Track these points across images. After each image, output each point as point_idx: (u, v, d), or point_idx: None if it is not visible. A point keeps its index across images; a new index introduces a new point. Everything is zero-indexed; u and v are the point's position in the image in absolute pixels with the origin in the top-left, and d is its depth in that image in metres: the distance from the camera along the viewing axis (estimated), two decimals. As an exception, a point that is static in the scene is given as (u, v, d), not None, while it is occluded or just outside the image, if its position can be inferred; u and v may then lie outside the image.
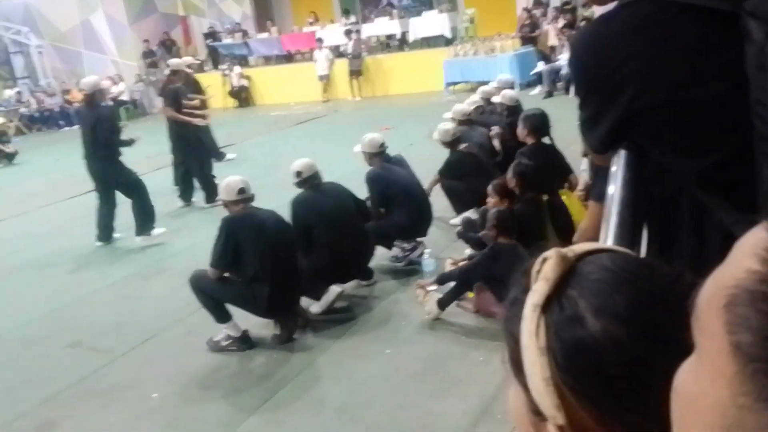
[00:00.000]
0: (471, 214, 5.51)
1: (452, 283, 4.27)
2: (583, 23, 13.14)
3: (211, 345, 4.36)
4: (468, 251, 5.00)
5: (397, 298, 4.76)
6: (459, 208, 5.86)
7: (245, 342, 4.32)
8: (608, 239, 1.31)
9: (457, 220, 5.70)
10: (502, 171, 5.68)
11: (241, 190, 4.30)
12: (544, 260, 0.63)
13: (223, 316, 4.29)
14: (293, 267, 4.36)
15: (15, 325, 5.23)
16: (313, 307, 4.63)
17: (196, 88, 9.32)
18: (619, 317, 0.58)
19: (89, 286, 5.87)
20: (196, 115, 8.29)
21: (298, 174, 4.75)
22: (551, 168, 5.04)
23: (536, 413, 0.61)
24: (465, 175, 5.89)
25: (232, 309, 4.33)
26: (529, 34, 14.51)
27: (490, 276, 3.95)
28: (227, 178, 4.51)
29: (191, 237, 6.89)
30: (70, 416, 3.81)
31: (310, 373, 3.94)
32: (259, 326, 4.47)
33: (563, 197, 4.92)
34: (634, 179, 1.35)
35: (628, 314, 0.58)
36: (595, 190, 2.52)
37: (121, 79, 19.24)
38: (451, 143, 6.04)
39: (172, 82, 8.43)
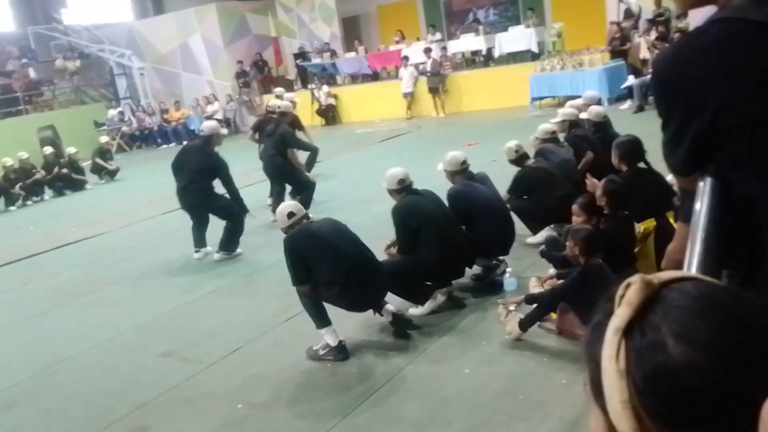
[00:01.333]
0: (547, 231, 5.42)
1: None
2: (676, 35, 12.70)
3: (310, 354, 4.53)
4: (552, 270, 4.91)
5: (478, 317, 4.73)
6: (531, 226, 5.78)
7: (341, 352, 4.46)
8: (692, 267, 1.29)
9: (533, 239, 5.63)
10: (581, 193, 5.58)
11: (290, 214, 4.57)
12: (628, 285, 0.64)
13: (322, 321, 4.47)
14: (365, 262, 4.52)
15: (115, 333, 5.53)
16: (413, 310, 4.81)
17: (299, 126, 9.52)
18: (701, 343, 0.59)
19: (182, 298, 6.14)
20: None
21: (401, 181, 4.90)
22: (651, 192, 4.84)
23: None
24: (534, 190, 5.81)
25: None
26: (620, 48, 14.14)
27: (580, 300, 3.87)
28: (281, 206, 4.79)
29: (280, 252, 7.06)
30: (161, 422, 3.99)
31: (390, 388, 3.97)
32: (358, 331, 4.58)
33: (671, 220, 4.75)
34: (720, 205, 1.32)
35: (709, 340, 0.59)
36: (684, 211, 2.44)
37: (216, 99, 20.06)
38: (518, 160, 5.98)
39: (280, 122, 8.51)
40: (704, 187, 1.36)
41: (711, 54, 1.23)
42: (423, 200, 4.91)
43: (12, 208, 12.84)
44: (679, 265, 2.63)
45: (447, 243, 4.85)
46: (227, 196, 7.22)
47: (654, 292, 0.63)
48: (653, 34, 13.65)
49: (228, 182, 7.11)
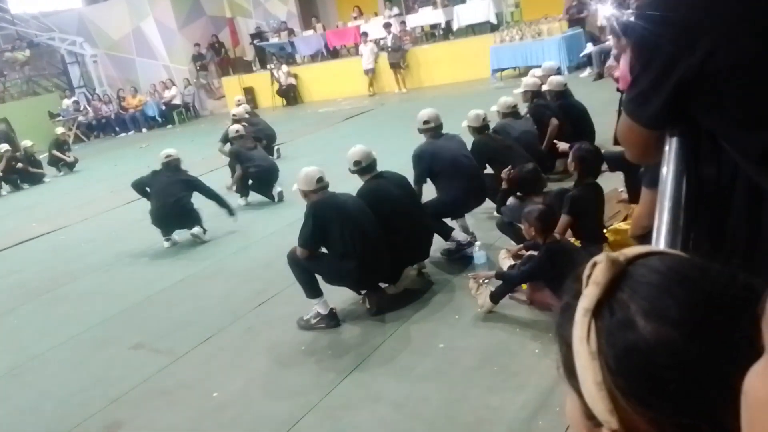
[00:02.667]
0: (511, 202, 5.46)
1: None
2: (632, 2, 12.79)
3: (302, 324, 4.59)
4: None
5: (449, 292, 4.75)
6: (496, 199, 5.82)
7: (333, 319, 4.53)
8: (661, 235, 1.27)
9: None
10: (544, 163, 5.64)
11: (320, 179, 4.57)
12: (595, 265, 0.63)
13: (314, 291, 4.53)
14: (378, 244, 4.56)
15: (84, 327, 5.43)
16: (389, 288, 4.82)
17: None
18: (671, 320, 0.58)
19: (151, 288, 6.04)
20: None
21: (357, 163, 4.85)
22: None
23: (591, 418, 0.62)
24: (492, 160, 5.84)
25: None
26: (577, 16, 14.22)
27: (550, 277, 3.91)
28: (304, 169, 4.67)
29: (246, 238, 7.03)
30: (136, 416, 3.94)
31: (366, 367, 3.98)
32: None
33: None
34: (686, 170, 1.31)
35: (679, 316, 0.58)
36: (647, 177, 2.46)
37: (173, 84, 19.69)
38: (480, 129, 6.00)
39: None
40: (670, 151, 1.35)
41: None
42: (387, 185, 4.87)
43: None
44: (645, 231, 2.66)
45: (411, 230, 4.84)
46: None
47: (621, 270, 0.62)
48: (609, 1, 13.73)
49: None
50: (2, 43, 20.36)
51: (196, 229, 7.12)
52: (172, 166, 7.17)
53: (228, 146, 8.79)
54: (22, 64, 21.02)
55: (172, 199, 6.96)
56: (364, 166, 4.86)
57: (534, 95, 7.05)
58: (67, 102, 20.10)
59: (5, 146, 13.79)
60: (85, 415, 4.02)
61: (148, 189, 7.22)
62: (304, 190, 4.60)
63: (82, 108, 20.06)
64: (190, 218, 7.11)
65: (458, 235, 5.32)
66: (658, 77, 1.27)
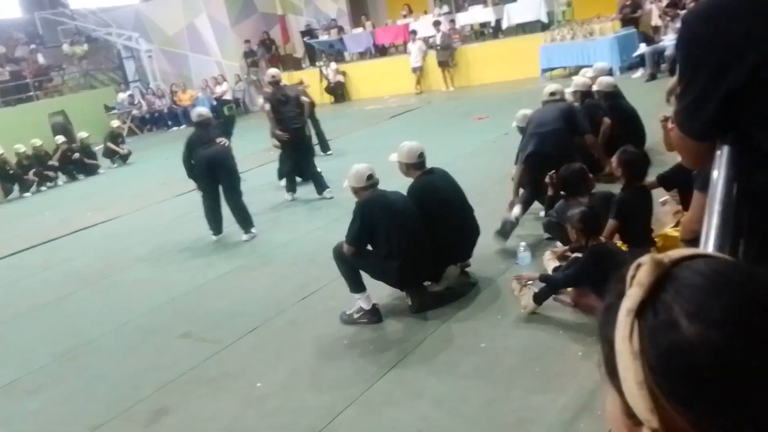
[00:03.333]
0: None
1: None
2: (688, 1, 12.50)
3: (344, 318, 4.66)
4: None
5: (492, 292, 4.75)
6: (541, 198, 5.76)
7: (375, 314, 4.59)
8: (710, 239, 1.27)
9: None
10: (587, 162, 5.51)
11: (369, 176, 4.62)
12: (639, 266, 0.64)
13: (358, 286, 4.59)
14: (422, 244, 4.61)
15: (135, 315, 5.60)
16: (431, 286, 4.83)
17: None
18: (714, 321, 0.58)
19: (199, 279, 6.19)
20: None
21: (420, 155, 4.89)
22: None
23: (631, 417, 0.63)
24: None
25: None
26: (631, 15, 13.95)
27: (595, 280, 3.88)
28: (354, 166, 4.72)
29: (294, 231, 7.13)
30: (183, 402, 4.06)
31: (407, 363, 4.01)
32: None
33: None
34: (737, 176, 1.30)
35: (722, 318, 0.58)
36: (699, 181, 2.43)
37: (224, 79, 20.02)
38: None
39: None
40: (721, 157, 1.34)
41: (752, 3, 1.20)
42: (438, 181, 4.91)
43: (27, 194, 12.96)
44: (695, 235, 2.62)
45: (460, 227, 4.87)
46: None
47: (665, 272, 0.63)
48: (665, 1, 13.45)
49: None
50: (62, 37, 20.99)
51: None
52: (204, 125, 7.34)
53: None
54: (80, 58, 21.68)
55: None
56: (424, 160, 4.92)
57: (584, 95, 6.96)
58: (122, 96, 20.62)
59: (61, 138, 14.27)
60: (135, 400, 4.16)
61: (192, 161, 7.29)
62: (354, 187, 4.65)
63: (136, 102, 20.56)
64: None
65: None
66: (705, 89, 1.28)
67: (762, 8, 1.18)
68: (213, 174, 7.00)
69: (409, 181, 4.94)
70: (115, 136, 14.95)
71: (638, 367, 0.60)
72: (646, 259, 0.64)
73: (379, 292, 4.76)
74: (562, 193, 5.17)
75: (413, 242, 4.52)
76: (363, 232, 4.51)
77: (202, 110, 7.80)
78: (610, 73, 7.78)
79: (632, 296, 0.62)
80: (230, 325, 5.01)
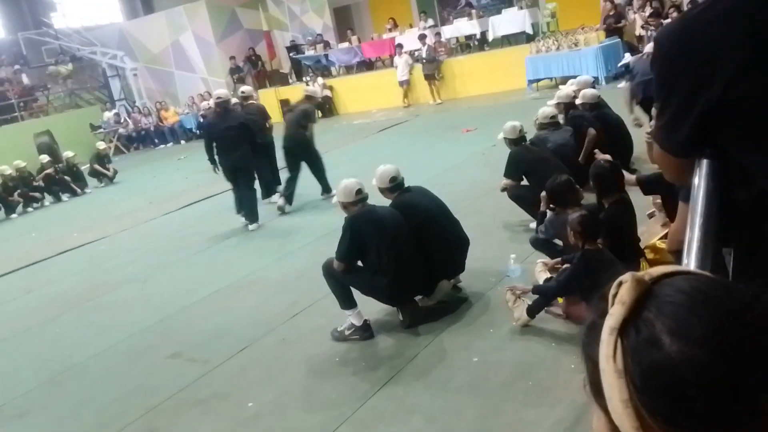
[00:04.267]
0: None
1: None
2: (671, 10, 12.63)
3: (336, 335, 4.61)
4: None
5: (483, 305, 4.72)
6: (532, 212, 5.73)
7: (366, 330, 4.54)
8: (692, 252, 1.27)
9: (535, 225, 5.58)
10: (581, 175, 5.46)
11: (359, 191, 4.57)
12: (620, 284, 0.65)
13: (349, 303, 4.54)
14: (413, 260, 4.56)
15: (122, 337, 5.52)
16: (422, 301, 4.79)
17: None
18: (696, 339, 0.59)
19: (187, 299, 6.12)
20: None
21: (393, 179, 4.85)
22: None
23: None
24: (529, 173, 5.78)
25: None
26: (615, 25, 14.07)
27: (586, 286, 3.85)
28: (343, 181, 4.68)
29: (281, 249, 7.09)
30: (173, 425, 3.99)
31: (399, 379, 3.96)
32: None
33: None
34: (717, 189, 1.30)
35: (704, 335, 0.59)
36: (684, 192, 2.42)
37: (210, 96, 19.98)
38: (517, 141, 5.96)
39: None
40: (700, 171, 1.34)
41: (721, 23, 1.20)
42: (419, 197, 4.89)
43: (13, 215, 12.81)
44: (682, 245, 2.61)
45: (446, 241, 4.82)
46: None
47: (646, 289, 0.63)
48: (648, 11, 13.59)
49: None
50: (46, 57, 20.93)
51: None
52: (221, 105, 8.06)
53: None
54: (65, 77, 21.62)
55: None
56: (398, 183, 4.86)
57: (568, 107, 6.99)
58: (107, 114, 20.55)
59: (46, 157, 14.14)
60: (124, 423, 4.09)
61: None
62: (343, 202, 4.61)
63: (122, 120, 20.47)
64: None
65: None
66: (681, 108, 1.29)
67: (731, 28, 1.19)
68: (234, 176, 8.02)
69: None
70: (101, 157, 14.86)
71: (623, 386, 0.60)
72: (627, 277, 0.64)
73: (370, 307, 4.72)
74: (551, 206, 5.16)
75: (403, 258, 4.48)
76: (352, 248, 4.46)
77: (221, 91, 8.58)
78: (593, 85, 7.81)
79: (614, 315, 0.63)
80: (219, 345, 4.95)
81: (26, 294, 7.41)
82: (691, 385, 0.57)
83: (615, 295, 0.64)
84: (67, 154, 14.32)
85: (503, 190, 6.06)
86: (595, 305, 0.68)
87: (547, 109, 6.70)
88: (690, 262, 1.18)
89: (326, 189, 8.67)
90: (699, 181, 1.30)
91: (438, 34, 17.35)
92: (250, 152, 8.05)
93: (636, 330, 0.61)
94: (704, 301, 0.61)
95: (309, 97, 9.30)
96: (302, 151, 8.59)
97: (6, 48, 22.35)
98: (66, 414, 4.42)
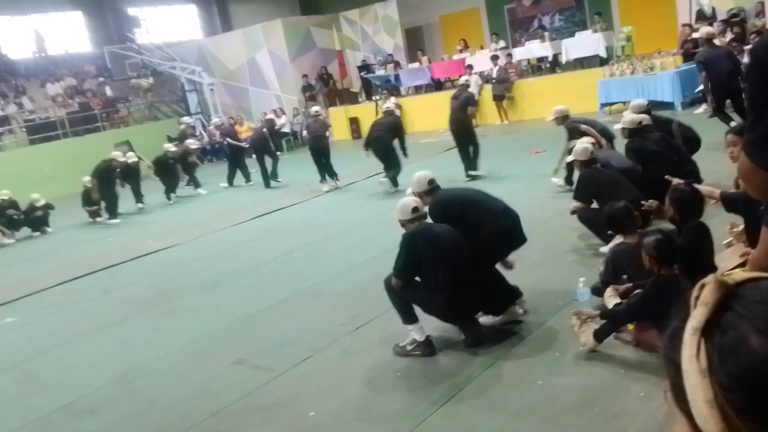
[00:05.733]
0: (619, 239, 5.23)
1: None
2: (753, 36, 12.22)
3: (397, 350, 4.61)
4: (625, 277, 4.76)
5: (551, 328, 4.63)
6: (602, 235, 5.60)
7: (429, 347, 4.53)
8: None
9: (605, 248, 5.44)
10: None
11: (415, 209, 4.60)
12: (703, 286, 0.65)
13: (410, 317, 4.54)
14: (470, 278, 4.51)
15: (189, 340, 5.67)
16: (484, 319, 4.76)
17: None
18: None
19: (253, 306, 6.24)
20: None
21: (431, 182, 4.97)
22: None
23: None
24: (599, 195, 5.67)
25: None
26: (692, 51, 13.68)
27: (657, 313, 3.74)
28: (402, 200, 4.73)
29: (345, 262, 7.15)
30: (235, 429, 4.06)
31: (461, 398, 3.92)
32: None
33: None
34: None
35: None
36: (767, 216, 2.33)
37: (283, 113, 20.44)
38: (587, 162, 5.86)
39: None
40: None
41: None
42: (444, 191, 5.07)
43: (98, 219, 12.97)
44: (764, 272, 2.50)
45: (492, 213, 4.91)
46: None
47: (729, 292, 0.63)
48: (729, 36, 13.18)
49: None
50: (129, 70, 21.85)
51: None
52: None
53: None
54: (146, 90, 22.52)
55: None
56: (436, 185, 5.00)
57: (632, 132, 6.74)
58: (184, 127, 21.21)
59: (132, 155, 14.02)
60: (189, 425, 4.18)
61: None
62: (400, 220, 4.65)
63: (198, 133, 21.11)
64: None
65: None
66: None
67: None
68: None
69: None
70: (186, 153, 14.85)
71: (707, 386, 0.60)
72: (709, 279, 0.64)
73: (432, 323, 4.70)
74: (609, 232, 5.05)
75: (460, 275, 4.44)
76: (409, 265, 4.49)
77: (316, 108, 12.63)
78: (647, 111, 7.34)
79: (697, 315, 0.63)
80: (283, 353, 5.02)
81: (102, 295, 7.71)
82: None
83: (697, 298, 0.64)
84: (130, 154, 14.09)
85: (573, 212, 5.96)
86: (676, 313, 0.67)
87: (635, 116, 6.62)
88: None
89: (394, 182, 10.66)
90: None
91: (509, 55, 17.28)
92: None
93: (721, 331, 0.61)
94: None
95: (389, 113, 11.93)
96: (386, 153, 11.07)
97: (92, 61, 23.53)
98: (134, 412, 4.56)
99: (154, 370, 5.21)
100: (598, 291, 4.74)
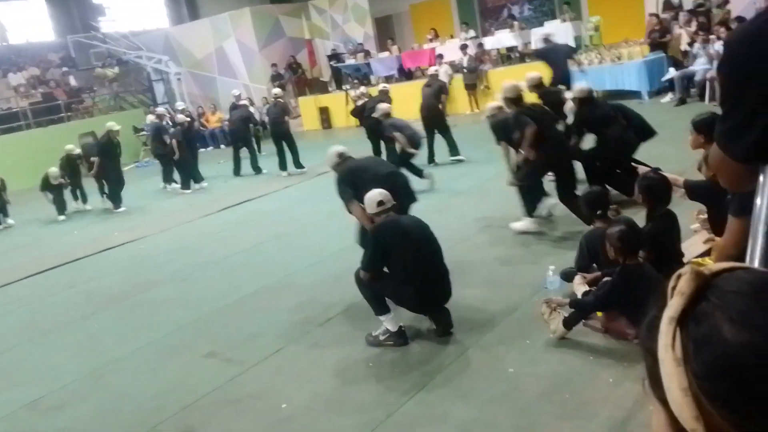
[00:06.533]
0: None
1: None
2: (716, 27, 12.42)
3: (370, 340, 4.63)
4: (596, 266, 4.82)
5: (520, 316, 4.68)
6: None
7: (401, 337, 4.55)
8: (755, 261, 1.25)
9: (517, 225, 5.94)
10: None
11: (380, 203, 4.62)
12: (679, 276, 0.66)
13: (382, 308, 4.56)
14: (439, 268, 4.58)
15: (161, 334, 5.61)
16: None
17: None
18: (758, 326, 0.59)
19: (223, 299, 6.20)
20: None
21: (341, 155, 5.69)
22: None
23: (678, 430, 0.63)
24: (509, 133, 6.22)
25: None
26: (659, 40, 13.85)
27: (625, 302, 3.80)
28: (368, 193, 4.73)
29: (317, 254, 7.12)
30: (207, 423, 4.03)
31: (433, 387, 3.95)
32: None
33: None
34: None
35: (765, 323, 0.59)
36: (734, 206, 2.38)
37: (252, 103, 20.23)
38: (515, 99, 6.51)
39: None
40: (765, 179, 1.32)
41: None
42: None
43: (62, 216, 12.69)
44: (731, 260, 2.55)
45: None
46: None
47: (705, 282, 0.64)
48: (694, 25, 13.37)
49: None
50: (93, 60, 21.43)
51: None
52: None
53: None
54: (111, 80, 22.11)
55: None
56: (345, 158, 5.73)
57: (582, 102, 7.23)
58: (150, 117, 20.88)
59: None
60: (160, 419, 4.15)
61: None
62: (369, 214, 4.68)
63: (164, 123, 20.78)
64: None
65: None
66: (750, 113, 1.26)
67: None
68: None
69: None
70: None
71: (681, 374, 0.61)
72: (686, 270, 0.65)
73: (405, 313, 4.71)
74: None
75: (429, 267, 4.47)
76: (377, 258, 4.51)
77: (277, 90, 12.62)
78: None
79: (673, 305, 0.64)
80: (255, 346, 5.00)
81: (68, 289, 7.58)
82: (752, 371, 0.58)
83: (674, 288, 0.65)
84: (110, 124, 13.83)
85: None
86: (653, 303, 0.68)
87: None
88: (753, 265, 1.16)
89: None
90: (763, 191, 1.28)
91: (481, 44, 17.30)
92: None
93: (695, 320, 0.62)
94: (765, 290, 0.62)
95: (385, 93, 12.40)
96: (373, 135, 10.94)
97: (55, 50, 23.00)
98: (105, 407, 4.50)
99: (124, 365, 5.14)
100: (568, 276, 4.80)
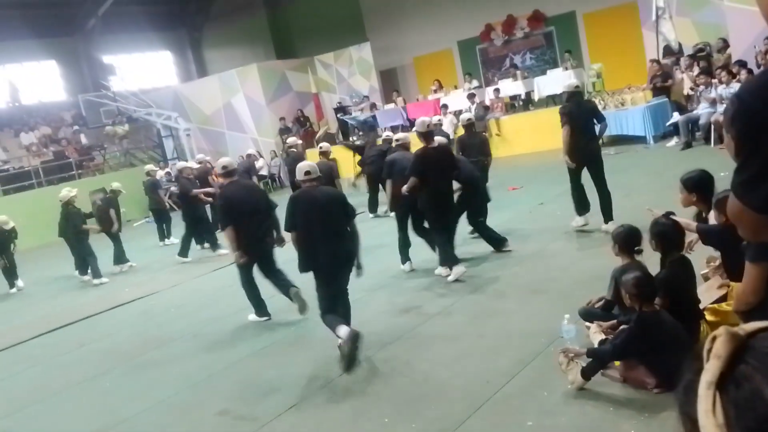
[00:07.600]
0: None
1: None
2: (718, 71, 12.56)
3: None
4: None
5: (537, 367, 4.61)
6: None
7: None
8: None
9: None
10: None
11: (307, 173, 5.46)
12: (714, 339, 0.64)
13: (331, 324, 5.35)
14: (339, 229, 5.38)
15: (172, 392, 5.55)
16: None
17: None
18: None
19: (236, 355, 6.14)
20: None
21: (225, 167, 6.91)
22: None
23: None
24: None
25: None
26: (662, 84, 14.02)
27: (644, 350, 3.74)
28: (301, 163, 5.67)
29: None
30: (222, 484, 3.95)
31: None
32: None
33: None
34: None
35: None
36: (751, 252, 2.36)
37: (260, 156, 20.46)
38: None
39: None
40: None
41: None
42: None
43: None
44: (751, 306, 2.52)
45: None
46: None
47: (741, 343, 0.63)
48: (696, 70, 13.53)
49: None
50: (104, 118, 21.80)
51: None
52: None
53: None
54: (121, 137, 22.46)
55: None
56: (231, 170, 6.92)
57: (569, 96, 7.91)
58: (160, 173, 21.12)
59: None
60: (172, 481, 4.06)
61: None
62: (296, 180, 5.57)
63: (174, 179, 21.01)
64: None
65: None
66: (765, 163, 1.26)
67: None
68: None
69: None
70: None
71: None
72: (721, 332, 0.64)
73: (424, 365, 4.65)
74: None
75: (329, 227, 5.29)
76: (291, 219, 5.32)
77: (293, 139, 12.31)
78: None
79: (711, 369, 0.62)
80: (269, 402, 4.93)
81: (79, 348, 7.54)
82: None
83: (709, 350, 0.64)
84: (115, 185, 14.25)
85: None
86: (688, 364, 0.67)
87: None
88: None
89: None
90: None
91: (497, 89, 17.45)
92: None
93: (735, 384, 0.61)
94: None
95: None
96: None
97: (67, 109, 23.43)
98: (116, 469, 4.42)
99: (135, 425, 5.07)
100: (587, 314, 4.74)
